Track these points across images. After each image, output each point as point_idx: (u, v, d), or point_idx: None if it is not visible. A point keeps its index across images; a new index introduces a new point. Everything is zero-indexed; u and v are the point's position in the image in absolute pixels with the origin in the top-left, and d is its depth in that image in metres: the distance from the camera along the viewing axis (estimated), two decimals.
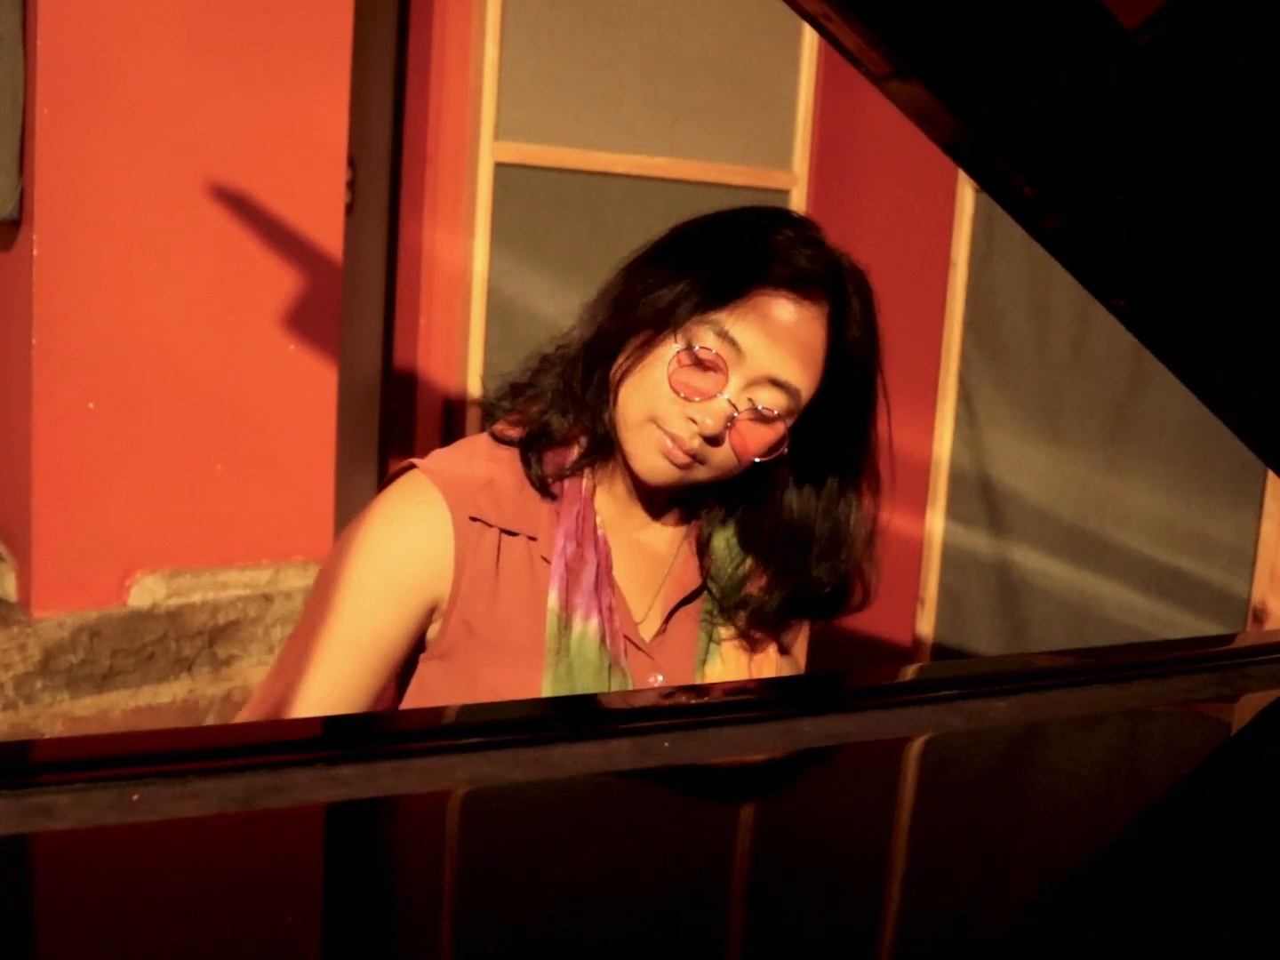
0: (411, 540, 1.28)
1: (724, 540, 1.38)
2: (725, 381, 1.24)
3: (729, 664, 1.35)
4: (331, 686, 1.24)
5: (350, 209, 3.38)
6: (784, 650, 1.41)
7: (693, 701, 1.05)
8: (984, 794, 0.98)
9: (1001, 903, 0.81)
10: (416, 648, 1.32)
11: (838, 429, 1.32)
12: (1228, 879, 0.82)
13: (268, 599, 3.04)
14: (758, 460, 1.28)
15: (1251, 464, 2.44)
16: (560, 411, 1.32)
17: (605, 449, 1.32)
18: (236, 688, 3.01)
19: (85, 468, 2.81)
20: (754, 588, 1.37)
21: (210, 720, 2.97)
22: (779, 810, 0.92)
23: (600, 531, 1.32)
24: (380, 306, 3.70)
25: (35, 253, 2.69)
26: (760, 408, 1.25)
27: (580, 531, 1.30)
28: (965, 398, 3.32)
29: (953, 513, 3.37)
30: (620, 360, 1.28)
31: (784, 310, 1.25)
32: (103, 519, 2.85)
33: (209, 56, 2.82)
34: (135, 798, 0.75)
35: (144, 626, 2.88)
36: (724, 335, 1.24)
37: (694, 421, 1.24)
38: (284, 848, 0.78)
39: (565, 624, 1.27)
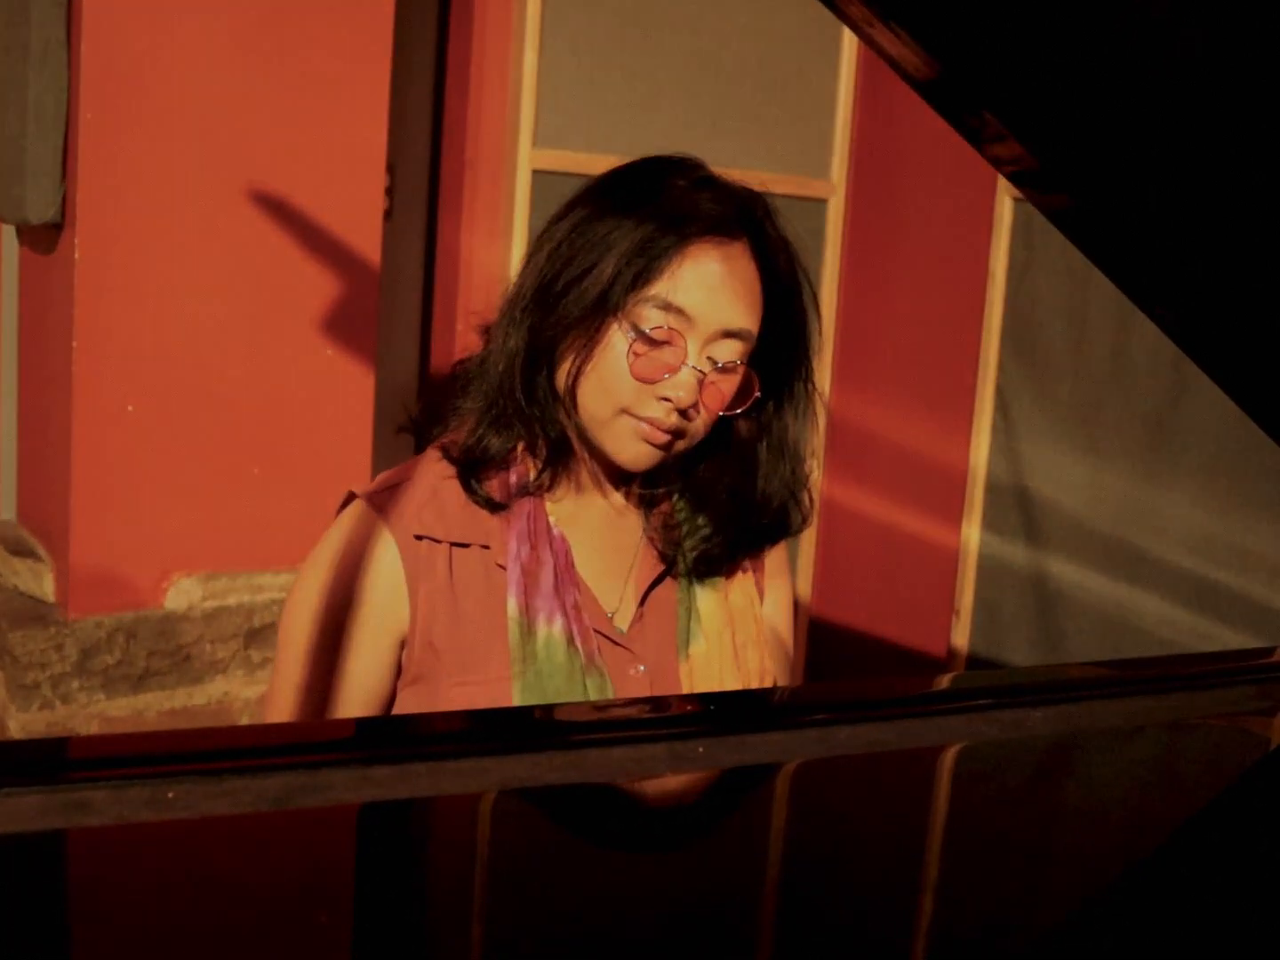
0: (363, 577, 1.26)
1: (684, 503, 1.35)
2: (685, 351, 1.22)
3: (712, 644, 1.31)
4: None
5: (389, 215, 3.39)
6: (768, 628, 1.39)
7: (728, 708, 1.04)
8: (1019, 804, 0.97)
9: (1036, 915, 0.80)
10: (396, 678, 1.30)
11: (782, 354, 1.31)
12: (1267, 895, 0.81)
13: None
14: (734, 412, 1.27)
15: None
16: (496, 429, 1.28)
17: (561, 453, 1.29)
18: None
19: (123, 470, 2.83)
20: (708, 527, 1.33)
21: (244, 723, 2.99)
22: (814, 818, 0.91)
23: (556, 529, 1.29)
24: (417, 312, 3.71)
25: (76, 256, 2.71)
26: (722, 363, 1.24)
27: (533, 532, 1.27)
28: (1003, 408, 3.30)
29: (989, 524, 3.35)
30: (568, 363, 1.25)
31: (712, 259, 1.23)
32: (140, 521, 2.86)
33: (249, 63, 2.84)
34: (170, 795, 0.76)
35: (180, 628, 2.90)
36: (668, 306, 1.22)
37: (667, 399, 1.22)
38: (317, 847, 0.78)
39: (528, 629, 1.24)
